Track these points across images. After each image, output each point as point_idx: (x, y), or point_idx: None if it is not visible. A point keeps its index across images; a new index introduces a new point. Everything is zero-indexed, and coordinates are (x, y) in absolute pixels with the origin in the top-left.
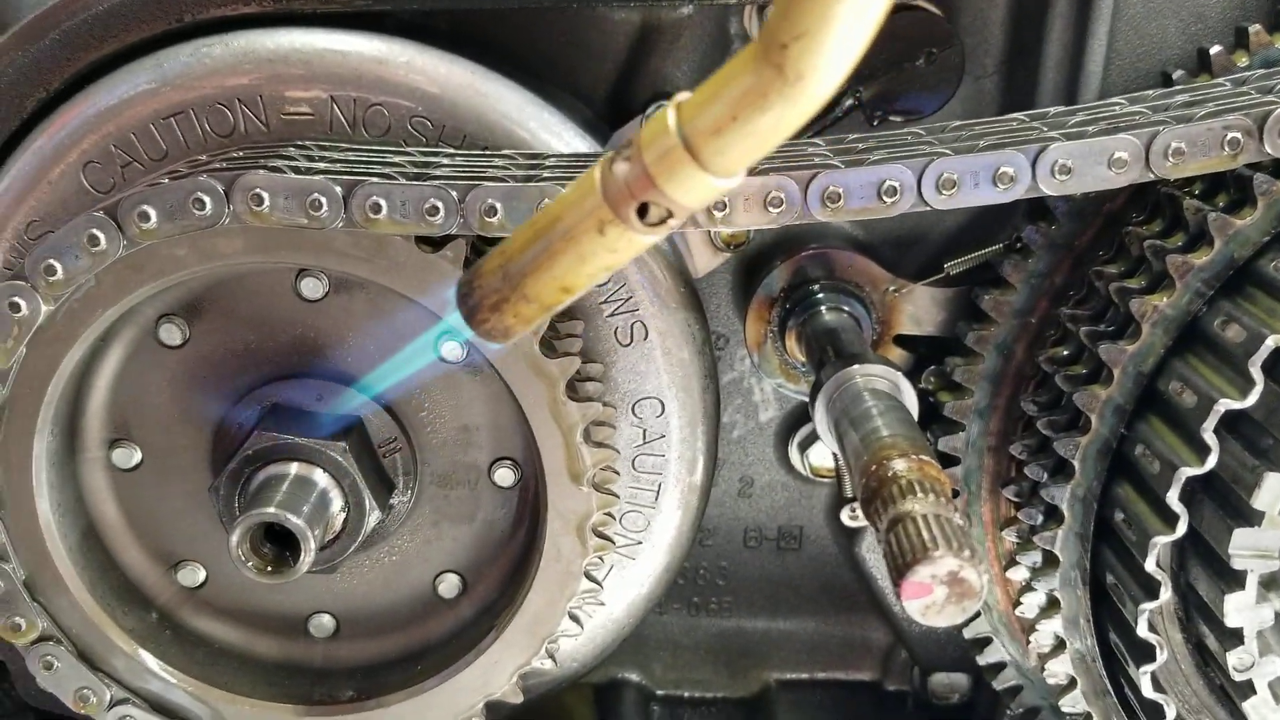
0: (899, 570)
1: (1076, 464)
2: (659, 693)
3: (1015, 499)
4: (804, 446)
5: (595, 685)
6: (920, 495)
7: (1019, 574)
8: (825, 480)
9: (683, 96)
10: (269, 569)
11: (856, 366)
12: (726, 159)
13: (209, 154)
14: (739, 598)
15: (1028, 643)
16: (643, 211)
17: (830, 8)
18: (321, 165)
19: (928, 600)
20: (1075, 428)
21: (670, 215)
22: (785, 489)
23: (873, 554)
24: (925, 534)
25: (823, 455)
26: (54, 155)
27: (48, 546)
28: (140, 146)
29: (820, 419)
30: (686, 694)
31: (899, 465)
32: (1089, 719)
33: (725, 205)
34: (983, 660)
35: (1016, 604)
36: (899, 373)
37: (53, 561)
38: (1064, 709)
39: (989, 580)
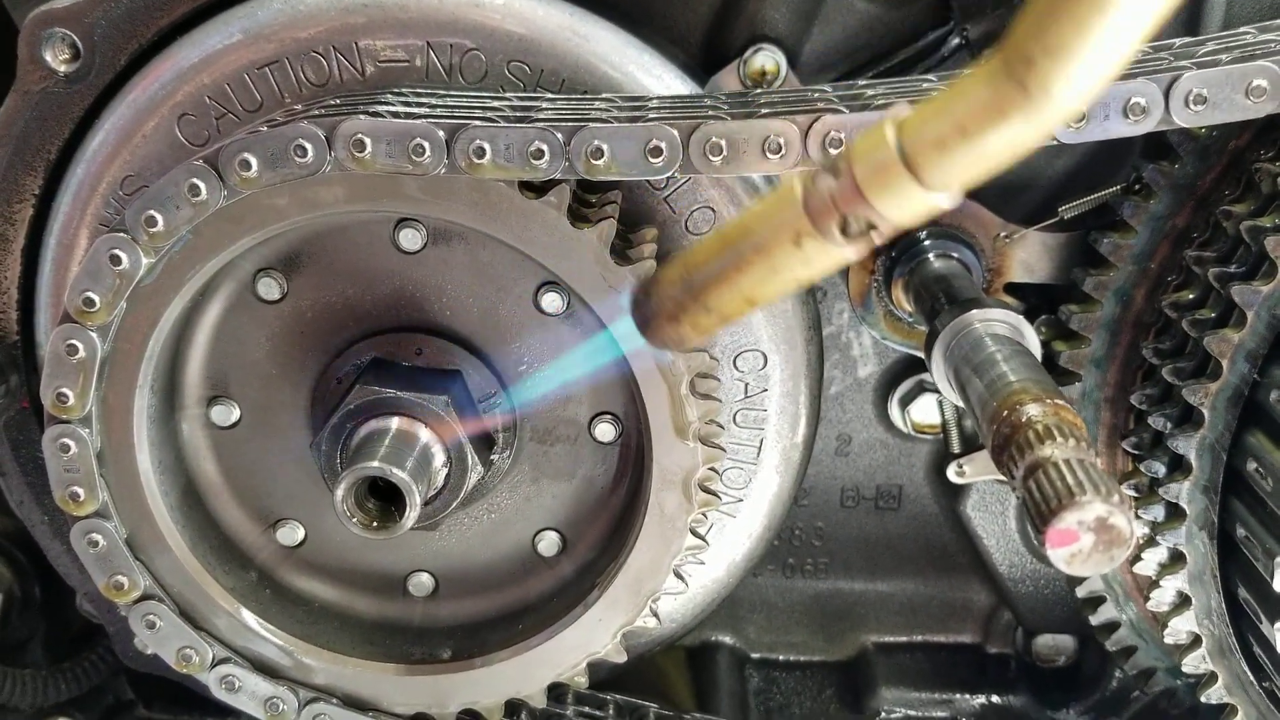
0: (1043, 518)
1: (1206, 412)
2: (753, 656)
3: (1135, 451)
4: (905, 403)
5: (688, 648)
6: (1059, 440)
7: (1139, 529)
8: (927, 437)
9: (901, 111)
10: (374, 524)
11: (975, 311)
12: (947, 175)
13: (304, 104)
14: (835, 559)
15: (1146, 600)
16: (844, 225)
17: (1089, 21)
18: (422, 111)
19: (1074, 548)
20: (1204, 374)
21: (873, 228)
22: (884, 447)
23: (977, 512)
24: (1069, 479)
25: (925, 411)
26: (148, 108)
27: (149, 504)
28: (235, 98)
29: (938, 368)
30: (781, 657)
31: (1033, 410)
32: (1213, 679)
33: (840, 141)
34: (1095, 620)
35: (1135, 560)
36: (1020, 316)
37: (154, 519)
38: (1185, 669)
39: (1135, 531)
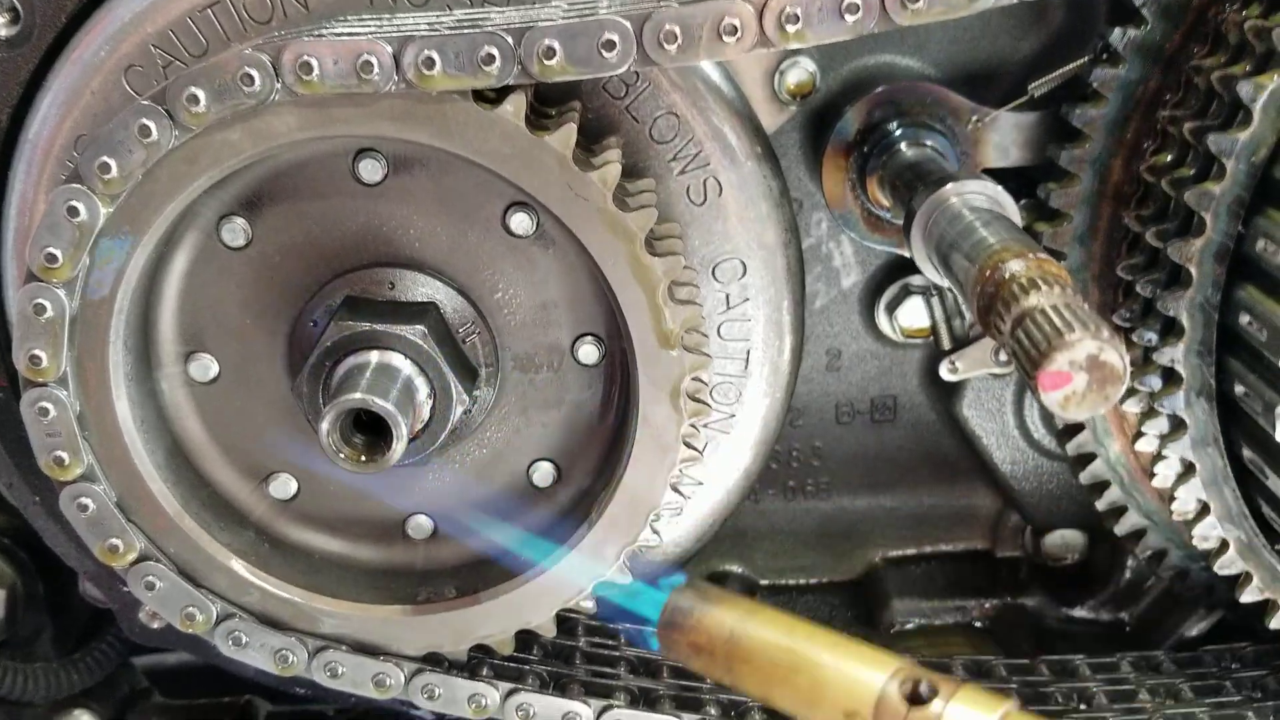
0: (1033, 363)
1: (1193, 269)
2: (763, 582)
3: (1126, 324)
4: (891, 308)
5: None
6: (1044, 289)
7: (1137, 405)
8: (917, 342)
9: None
10: (361, 459)
11: (950, 186)
12: None
13: (249, 43)
14: (836, 477)
15: (1151, 477)
16: None
17: None
18: (364, 31)
19: (1067, 390)
20: (1189, 232)
21: None
22: (875, 358)
23: (974, 412)
24: (1056, 321)
25: (912, 315)
26: (94, 64)
27: (135, 465)
28: (180, 44)
29: (919, 250)
30: (792, 581)
31: (1015, 266)
32: (1224, 547)
33: (797, 18)
34: (1102, 505)
35: (1136, 438)
36: (997, 186)
37: (142, 480)
38: (1195, 542)
39: (1129, 366)
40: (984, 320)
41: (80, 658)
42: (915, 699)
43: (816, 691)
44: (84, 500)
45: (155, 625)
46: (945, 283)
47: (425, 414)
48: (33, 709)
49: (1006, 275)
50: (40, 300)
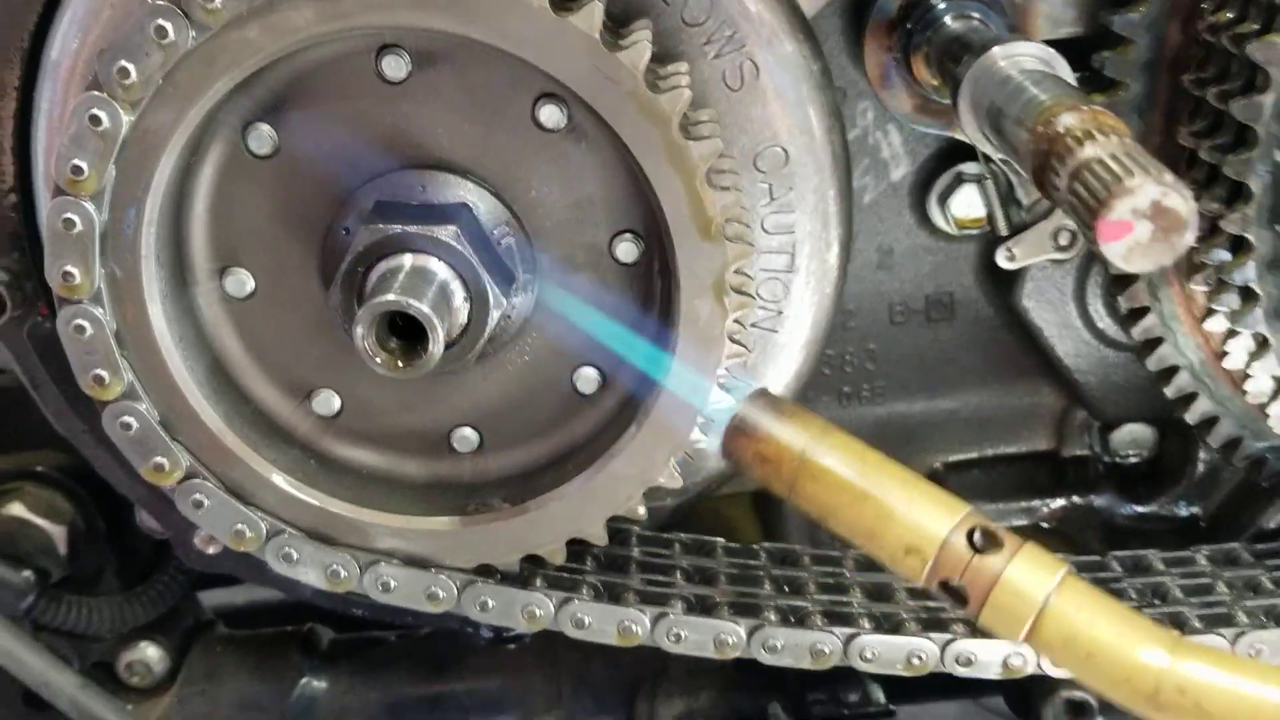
0: (1092, 213)
1: (1259, 128)
2: None
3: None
4: (944, 199)
5: (753, 494)
6: (1100, 139)
7: (1205, 282)
8: (972, 233)
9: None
10: (399, 363)
11: (997, 49)
12: (1049, 655)
13: None
14: (892, 380)
15: (1221, 358)
16: (945, 581)
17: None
18: None
19: (1130, 240)
20: (1255, 88)
21: (960, 602)
22: (929, 252)
23: (1033, 302)
24: (1116, 168)
25: (966, 204)
26: None
27: (176, 383)
28: None
29: (969, 121)
30: None
31: (1068, 119)
32: None
33: None
34: (1171, 393)
35: (1206, 316)
36: (1048, 47)
37: (184, 398)
38: (1273, 424)
39: (1195, 210)
40: (1039, 181)
41: (143, 591)
42: (980, 549)
43: (881, 523)
44: (127, 419)
45: (210, 550)
46: (998, 154)
47: (462, 318)
48: (100, 642)
49: (1060, 130)
50: (69, 215)
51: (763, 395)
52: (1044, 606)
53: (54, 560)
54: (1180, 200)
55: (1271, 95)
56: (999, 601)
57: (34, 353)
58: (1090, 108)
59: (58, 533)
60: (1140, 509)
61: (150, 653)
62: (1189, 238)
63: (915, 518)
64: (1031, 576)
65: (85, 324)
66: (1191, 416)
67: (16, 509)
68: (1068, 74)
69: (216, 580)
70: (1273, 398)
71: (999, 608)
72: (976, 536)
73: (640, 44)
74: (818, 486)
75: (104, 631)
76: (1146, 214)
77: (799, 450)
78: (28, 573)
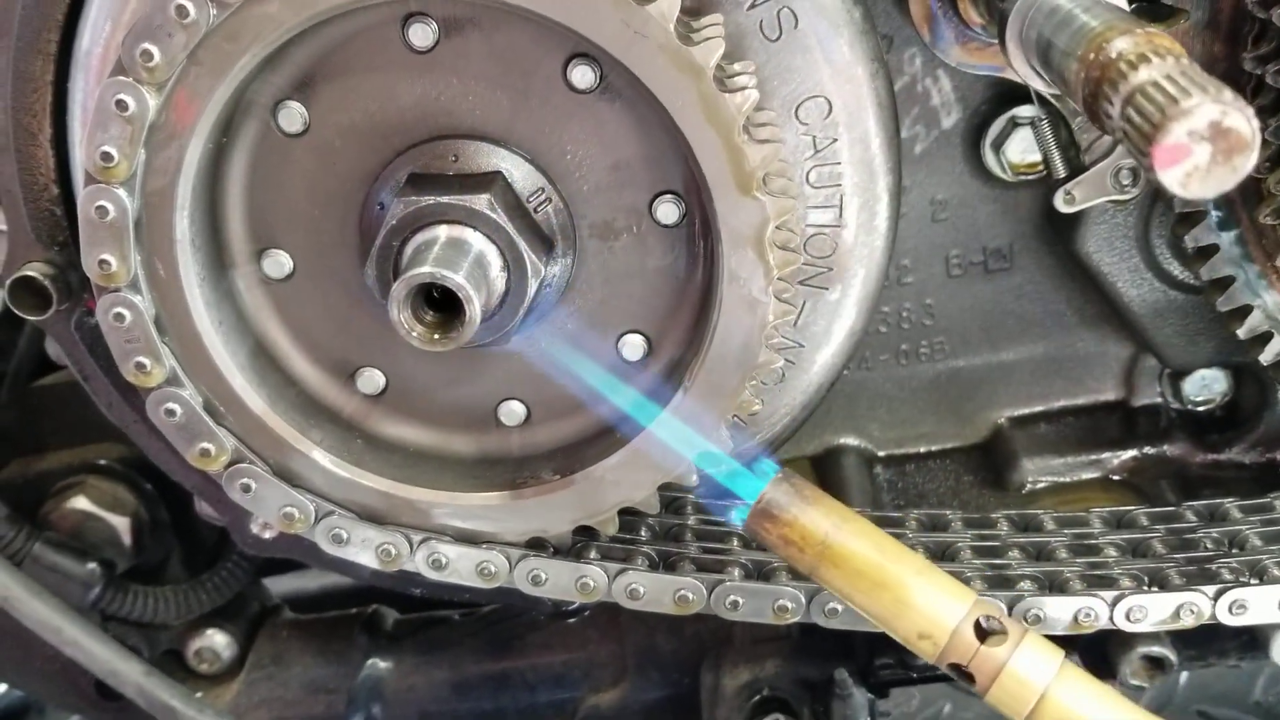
0: (1147, 139)
1: None
2: (880, 454)
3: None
4: (998, 145)
5: (811, 457)
6: (1155, 61)
7: (1275, 216)
8: (1030, 177)
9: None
10: (435, 336)
11: None
12: None
13: None
14: (952, 336)
15: None
16: (956, 665)
17: None
18: None
19: (1188, 165)
20: None
21: (967, 678)
22: (985, 201)
23: (1095, 247)
24: (1172, 90)
25: (1022, 149)
26: None
27: (219, 368)
28: None
29: (1017, 58)
30: (911, 450)
31: (1121, 44)
32: None
33: None
34: (1243, 333)
35: (1277, 252)
36: None
37: (227, 382)
38: None
39: (1258, 130)
40: (1092, 112)
41: (208, 579)
42: (985, 638)
43: (897, 609)
44: (171, 405)
45: (267, 535)
46: (1050, 90)
47: (500, 288)
48: (168, 630)
49: (1113, 55)
50: (102, 202)
51: (787, 479)
52: (1044, 693)
53: (119, 551)
54: (1242, 119)
55: None
56: (1004, 686)
57: (82, 345)
58: (1144, 30)
59: (121, 524)
60: (1215, 457)
61: (218, 639)
62: (1252, 159)
63: (928, 607)
64: (1033, 665)
65: (125, 311)
66: (1266, 358)
67: (81, 502)
68: (1121, 0)
69: (283, 566)
70: None
71: (1004, 691)
72: (983, 624)
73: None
74: (838, 573)
75: (171, 620)
76: (1205, 135)
77: (821, 537)
78: (94, 565)
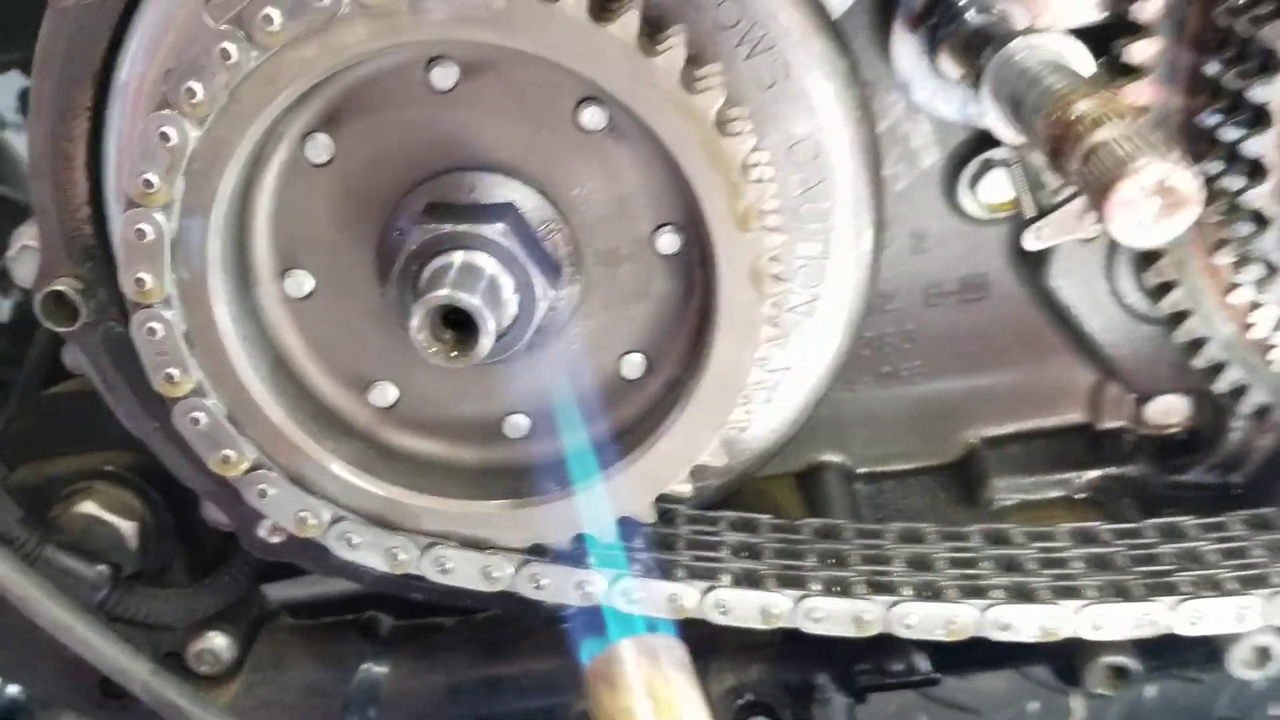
0: (1101, 192)
1: (1273, 109)
2: (860, 470)
3: (1214, 173)
4: (974, 183)
5: (795, 473)
6: (1111, 122)
7: (1229, 255)
8: (1002, 216)
9: None
10: (452, 353)
11: (1018, 40)
12: None
13: None
14: (929, 360)
15: (1248, 328)
16: None
17: None
18: None
19: (1136, 218)
20: (1270, 69)
21: None
22: (961, 236)
23: (1065, 280)
24: (1123, 150)
25: (996, 189)
26: (175, 2)
27: (242, 380)
28: None
29: (991, 109)
30: (889, 468)
31: (1083, 105)
32: None
33: None
34: (1200, 363)
35: (1230, 290)
36: (1066, 35)
37: (249, 394)
38: None
39: (1200, 188)
40: (1055, 164)
41: (210, 583)
42: None
43: None
44: (196, 414)
45: (274, 540)
46: (1020, 140)
47: (512, 310)
48: (170, 632)
49: (1074, 116)
50: (141, 225)
51: (637, 648)
52: None
53: (125, 555)
54: (1185, 178)
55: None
56: None
57: (107, 356)
58: (1102, 94)
59: (128, 529)
60: (1176, 478)
61: (218, 642)
62: (1193, 214)
63: None
64: None
65: (157, 326)
66: (1221, 386)
67: (89, 507)
68: (1086, 62)
69: (280, 573)
70: None
71: None
72: None
73: (675, 49)
74: None
75: (174, 622)
76: (1152, 191)
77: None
78: (101, 567)
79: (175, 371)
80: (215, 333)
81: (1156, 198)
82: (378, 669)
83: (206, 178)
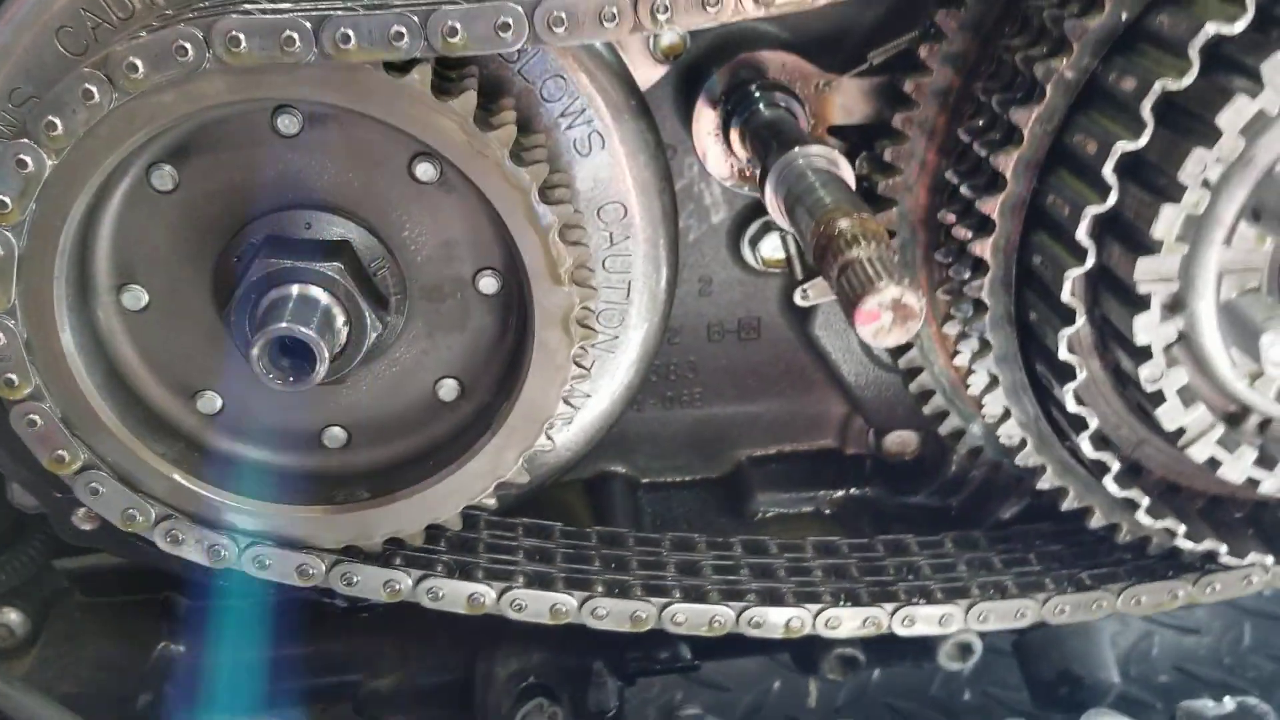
0: (851, 304)
1: (996, 218)
2: (644, 480)
3: (946, 260)
4: (754, 242)
5: (585, 480)
6: (863, 243)
7: (955, 328)
8: (776, 271)
9: None
10: (290, 379)
11: (797, 149)
12: None
13: (174, 8)
14: (708, 388)
15: (967, 387)
16: None
17: None
18: (287, 6)
19: (877, 325)
20: (993, 188)
21: None
22: (741, 284)
23: (824, 331)
24: (870, 270)
25: (772, 248)
26: (25, 24)
27: (77, 385)
28: (108, 8)
29: (771, 202)
30: (668, 479)
31: (843, 223)
32: (1023, 444)
33: (666, 8)
34: (928, 410)
35: (954, 354)
36: (835, 150)
37: (84, 398)
38: (1002, 441)
39: (925, 306)
40: (820, 264)
41: (6, 560)
42: None
43: None
44: (33, 417)
45: (86, 527)
46: (792, 230)
47: (343, 339)
48: None
49: (836, 231)
50: None
51: None
52: None
53: None
54: (914, 299)
55: (1007, 194)
56: None
57: None
58: (860, 215)
59: None
60: (905, 500)
61: (12, 617)
62: (918, 325)
63: None
64: None
65: (1, 336)
66: (944, 429)
67: None
68: (849, 174)
69: (75, 549)
70: (1002, 419)
71: None
72: None
73: (508, 125)
74: None
75: None
76: (889, 307)
77: None
78: None
79: (15, 377)
80: (55, 342)
81: (891, 312)
82: (174, 647)
83: (58, 202)
